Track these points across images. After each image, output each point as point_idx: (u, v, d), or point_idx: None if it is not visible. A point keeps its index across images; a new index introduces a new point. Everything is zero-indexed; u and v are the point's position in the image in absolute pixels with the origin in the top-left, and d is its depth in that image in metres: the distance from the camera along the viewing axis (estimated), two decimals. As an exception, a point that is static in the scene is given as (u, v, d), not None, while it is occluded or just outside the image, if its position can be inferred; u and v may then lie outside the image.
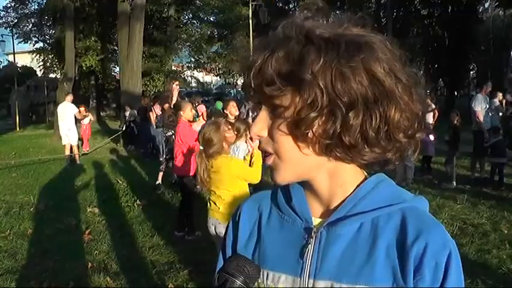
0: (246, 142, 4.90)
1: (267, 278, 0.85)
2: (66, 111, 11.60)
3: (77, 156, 11.43)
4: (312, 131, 0.73)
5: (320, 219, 0.83)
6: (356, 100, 0.70)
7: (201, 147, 3.48)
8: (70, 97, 12.02)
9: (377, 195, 0.80)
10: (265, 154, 0.80)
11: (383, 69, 0.72)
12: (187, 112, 5.75)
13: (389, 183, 0.83)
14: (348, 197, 0.81)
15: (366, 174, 0.84)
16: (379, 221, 0.78)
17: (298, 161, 0.77)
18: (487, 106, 8.81)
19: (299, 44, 0.72)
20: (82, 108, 12.64)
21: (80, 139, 12.51)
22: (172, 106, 7.27)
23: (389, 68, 0.72)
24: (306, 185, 0.84)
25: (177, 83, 8.07)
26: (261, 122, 0.78)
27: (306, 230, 0.83)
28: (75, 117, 11.87)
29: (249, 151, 4.91)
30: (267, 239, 0.88)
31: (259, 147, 0.82)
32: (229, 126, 4.04)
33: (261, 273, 0.85)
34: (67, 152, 11.40)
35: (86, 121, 13.25)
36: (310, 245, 0.81)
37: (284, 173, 0.79)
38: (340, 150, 0.74)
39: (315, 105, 0.71)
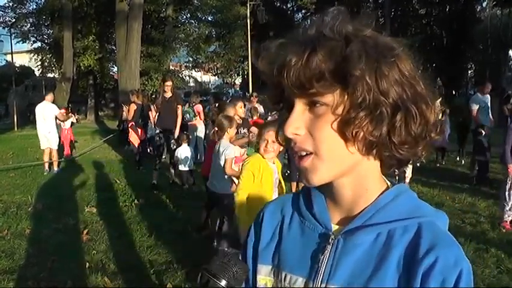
0: (230, 141, 4.85)
1: (284, 280, 0.86)
2: (46, 112, 10.38)
3: (55, 163, 10.33)
4: (363, 130, 0.72)
5: (338, 226, 0.84)
6: (398, 98, 0.72)
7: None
8: (50, 96, 10.70)
9: (396, 207, 0.80)
10: (299, 154, 0.78)
11: (411, 71, 0.75)
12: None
13: (409, 195, 0.83)
14: (368, 205, 0.81)
15: (388, 183, 0.84)
16: (395, 233, 0.78)
17: (341, 160, 0.76)
18: (487, 105, 8.80)
19: (340, 43, 0.72)
20: (63, 111, 11.65)
21: (61, 144, 11.24)
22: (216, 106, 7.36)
23: (413, 71, 0.75)
24: (327, 191, 0.85)
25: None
26: (298, 120, 0.76)
27: (323, 236, 0.84)
28: (57, 118, 10.75)
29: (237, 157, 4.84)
30: (287, 243, 0.89)
31: (294, 147, 0.78)
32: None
33: (281, 274, 0.87)
34: (46, 158, 10.30)
35: (67, 124, 11.95)
36: (326, 251, 0.82)
37: (322, 173, 0.77)
38: (384, 148, 0.75)
39: (364, 103, 0.71)
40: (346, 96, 0.72)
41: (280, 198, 0.98)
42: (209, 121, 7.61)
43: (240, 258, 0.96)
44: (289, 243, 0.88)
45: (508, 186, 5.62)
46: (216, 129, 5.01)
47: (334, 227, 0.84)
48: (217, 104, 7.60)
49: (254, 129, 6.19)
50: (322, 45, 0.72)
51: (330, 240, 0.82)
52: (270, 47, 0.78)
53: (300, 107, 0.76)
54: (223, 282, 0.78)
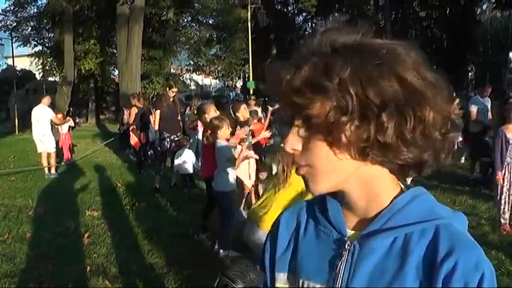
0: (227, 141, 4.96)
1: (302, 287, 0.86)
2: (41, 115, 10.20)
3: (53, 167, 10.24)
4: (345, 135, 0.72)
5: (354, 231, 0.83)
6: (388, 103, 0.71)
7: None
8: (47, 100, 10.53)
9: (413, 210, 0.79)
10: (297, 165, 0.81)
11: (410, 72, 0.73)
12: (211, 114, 5.69)
13: (426, 197, 0.82)
14: (383, 209, 0.80)
15: (402, 186, 0.84)
16: (412, 237, 0.77)
17: (334, 168, 0.77)
18: (486, 107, 8.80)
19: (325, 56, 0.74)
20: (60, 115, 11.58)
21: (59, 149, 11.25)
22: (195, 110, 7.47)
23: (416, 71, 0.74)
24: (340, 198, 0.84)
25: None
26: (295, 136, 0.78)
27: (339, 241, 0.83)
28: (52, 122, 10.58)
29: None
30: (303, 249, 0.89)
31: (294, 161, 0.82)
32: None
33: (298, 281, 0.87)
34: (44, 161, 10.22)
35: (64, 129, 11.89)
36: (343, 258, 0.81)
37: (321, 183, 0.79)
38: (377, 151, 0.74)
39: (346, 109, 0.71)
40: (328, 105, 0.73)
41: (296, 206, 0.98)
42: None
43: (258, 266, 0.97)
44: (305, 249, 0.88)
45: (498, 192, 5.63)
46: (209, 132, 5.08)
47: (350, 232, 0.83)
48: (196, 108, 7.73)
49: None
50: (308, 60, 0.74)
51: (346, 246, 0.81)
52: (272, 68, 0.80)
53: (296, 123, 0.78)
54: (240, 286, 0.80)
